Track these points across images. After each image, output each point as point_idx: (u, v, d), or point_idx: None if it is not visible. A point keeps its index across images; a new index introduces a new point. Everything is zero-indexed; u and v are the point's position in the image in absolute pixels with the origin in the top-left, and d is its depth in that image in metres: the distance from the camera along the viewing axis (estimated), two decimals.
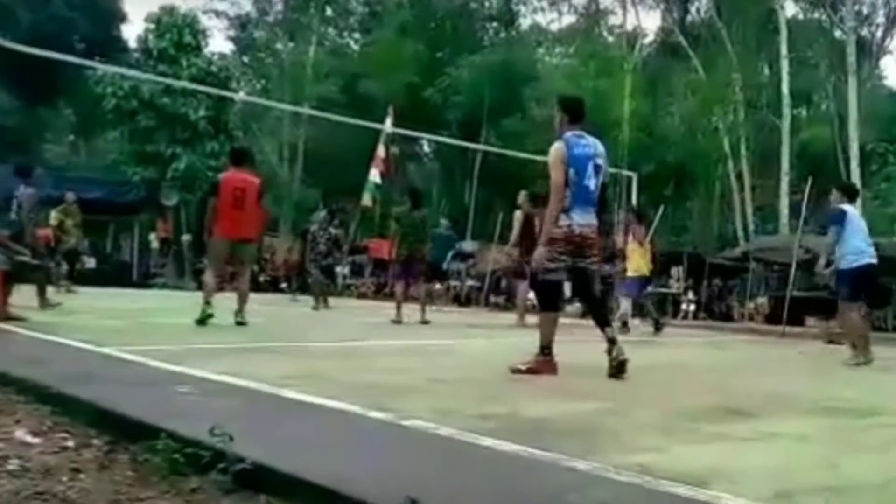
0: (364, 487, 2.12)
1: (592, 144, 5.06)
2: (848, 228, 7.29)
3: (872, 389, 5.45)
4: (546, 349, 5.06)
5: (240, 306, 7.94)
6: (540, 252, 5.03)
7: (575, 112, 5.17)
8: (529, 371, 4.91)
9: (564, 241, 4.96)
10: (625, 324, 10.94)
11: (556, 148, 4.99)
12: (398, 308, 9.93)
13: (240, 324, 7.77)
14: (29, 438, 2.92)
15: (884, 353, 7.80)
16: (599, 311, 5.26)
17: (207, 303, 7.70)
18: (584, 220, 4.97)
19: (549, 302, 5.25)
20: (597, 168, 5.01)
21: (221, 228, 7.93)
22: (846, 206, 7.50)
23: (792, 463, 2.82)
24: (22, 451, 2.72)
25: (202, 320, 7.54)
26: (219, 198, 7.92)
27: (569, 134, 5.02)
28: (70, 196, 13.61)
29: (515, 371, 4.92)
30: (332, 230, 14.17)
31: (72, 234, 13.39)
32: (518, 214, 10.42)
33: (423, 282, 10.52)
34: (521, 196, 10.58)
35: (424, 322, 9.86)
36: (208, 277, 8.17)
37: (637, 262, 11.39)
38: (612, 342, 4.96)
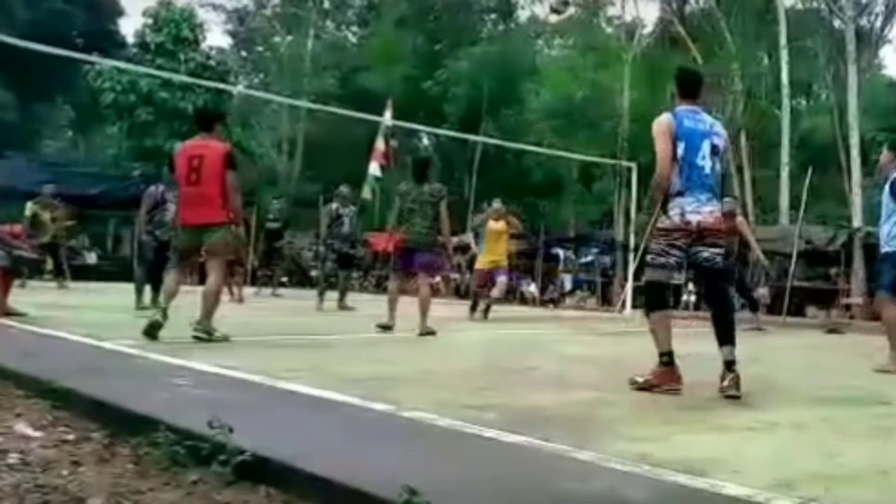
0: (364, 478, 2.12)
1: (709, 122, 4.40)
2: None
3: (873, 379, 5.45)
4: (665, 356, 4.22)
5: (202, 312, 5.81)
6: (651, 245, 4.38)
7: (688, 85, 4.50)
8: (648, 385, 4.13)
9: (678, 233, 4.25)
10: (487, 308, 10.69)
11: (662, 117, 4.37)
12: (390, 309, 7.50)
13: (197, 338, 5.64)
14: (29, 432, 2.92)
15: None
16: (722, 320, 4.39)
17: (163, 310, 5.83)
18: (702, 208, 4.23)
19: (656, 301, 4.44)
20: (714, 148, 4.31)
21: (179, 214, 6.28)
22: None
23: (792, 452, 2.82)
24: (22, 445, 2.72)
25: (150, 331, 5.61)
26: (176, 175, 6.25)
27: (681, 108, 4.39)
28: (48, 189, 12.93)
29: (633, 384, 4.18)
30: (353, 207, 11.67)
31: (46, 229, 12.21)
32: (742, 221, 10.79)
33: (427, 277, 7.91)
34: (731, 203, 10.68)
35: (427, 333, 7.27)
36: (167, 278, 6.29)
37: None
38: (727, 366, 4.14)
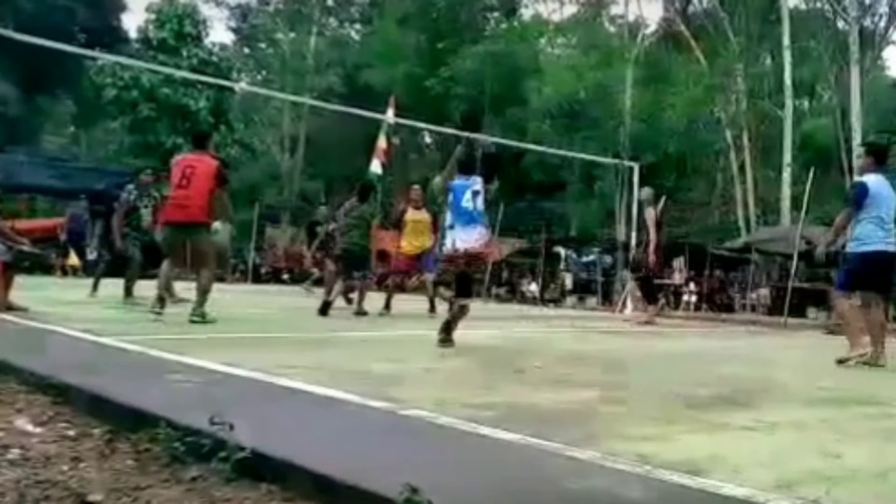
0: (365, 476, 2.12)
1: (473, 180, 6.06)
2: (869, 208, 5.99)
3: (873, 380, 5.45)
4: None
5: (197, 300, 7.03)
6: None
7: (464, 167, 6.12)
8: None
9: (453, 257, 5.94)
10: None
11: (436, 180, 6.32)
12: (328, 291, 9.56)
13: (194, 321, 6.79)
14: (30, 428, 2.92)
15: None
16: (466, 292, 6.14)
17: (160, 298, 7.04)
18: (468, 237, 5.90)
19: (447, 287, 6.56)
20: (475, 193, 5.98)
21: (165, 212, 7.37)
22: (870, 179, 6.12)
23: (792, 452, 2.82)
24: (23, 441, 2.73)
25: (155, 307, 6.92)
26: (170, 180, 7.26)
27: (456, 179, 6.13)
28: None
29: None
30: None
31: None
32: (652, 213, 10.95)
33: (348, 278, 9.73)
34: (647, 192, 11.36)
35: (361, 313, 9.29)
36: (163, 267, 7.32)
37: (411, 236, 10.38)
38: (462, 308, 5.98)
